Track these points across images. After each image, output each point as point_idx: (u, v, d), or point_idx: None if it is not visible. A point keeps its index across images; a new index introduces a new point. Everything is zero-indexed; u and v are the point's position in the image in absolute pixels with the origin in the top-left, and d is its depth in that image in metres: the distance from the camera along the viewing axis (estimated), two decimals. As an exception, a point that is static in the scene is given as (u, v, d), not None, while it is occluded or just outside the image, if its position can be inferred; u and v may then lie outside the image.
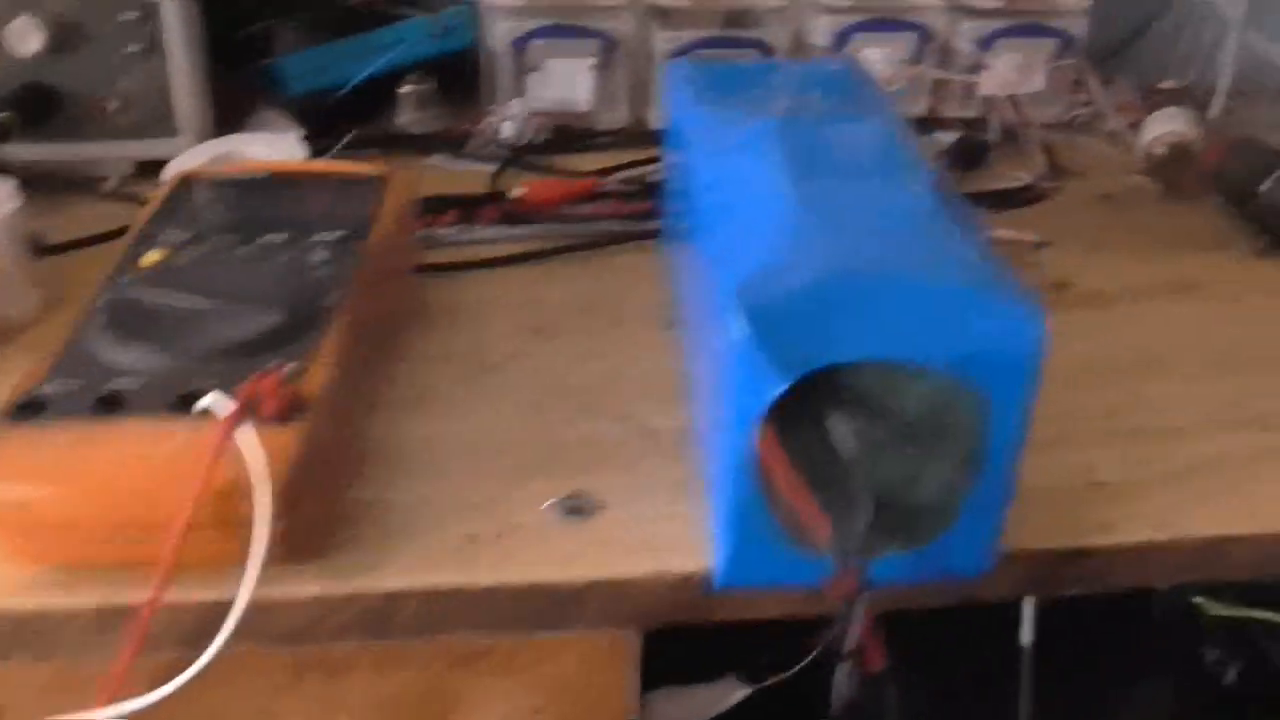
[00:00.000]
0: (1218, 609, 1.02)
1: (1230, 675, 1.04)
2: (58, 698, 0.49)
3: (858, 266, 0.47)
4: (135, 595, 0.49)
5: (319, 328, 0.59)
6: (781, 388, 0.45)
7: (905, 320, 0.46)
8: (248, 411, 0.50)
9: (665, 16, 1.00)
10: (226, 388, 0.52)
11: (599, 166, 0.94)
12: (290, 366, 0.55)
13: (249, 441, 0.49)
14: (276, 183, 0.72)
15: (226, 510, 0.50)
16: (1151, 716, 1.05)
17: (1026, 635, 0.98)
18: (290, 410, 0.53)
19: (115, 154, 0.90)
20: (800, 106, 0.63)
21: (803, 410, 0.48)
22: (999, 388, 0.47)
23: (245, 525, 0.49)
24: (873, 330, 0.46)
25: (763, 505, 0.50)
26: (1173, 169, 0.94)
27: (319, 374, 0.56)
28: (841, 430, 0.47)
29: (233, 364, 0.55)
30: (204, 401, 0.51)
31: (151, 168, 0.87)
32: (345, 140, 0.92)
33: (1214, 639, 1.05)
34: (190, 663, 0.49)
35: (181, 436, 0.51)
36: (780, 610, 0.57)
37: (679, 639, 0.59)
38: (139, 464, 0.51)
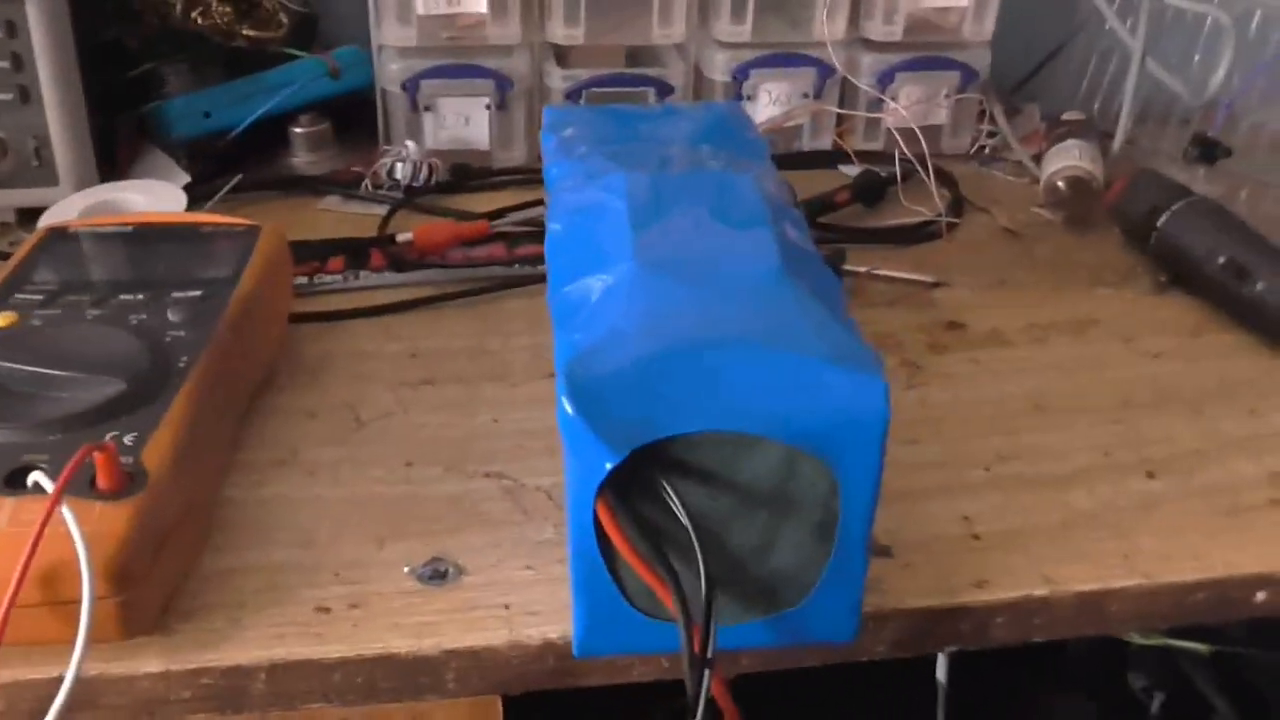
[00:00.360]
0: (1142, 638, 1.02)
1: (1156, 704, 1.04)
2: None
3: (694, 337, 0.46)
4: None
5: (169, 393, 0.57)
6: (612, 464, 0.44)
7: (743, 392, 0.45)
8: (70, 488, 0.48)
9: (562, 55, 0.99)
10: (63, 461, 0.50)
11: (496, 207, 0.92)
12: (130, 436, 0.54)
13: (70, 520, 0.47)
14: (143, 236, 0.70)
15: (55, 589, 0.48)
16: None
17: (942, 671, 0.97)
18: (126, 483, 0.51)
19: (-7, 203, 0.88)
20: (666, 157, 0.61)
21: (649, 476, 0.46)
22: (844, 459, 0.46)
23: (78, 603, 0.47)
24: (709, 403, 0.45)
25: (609, 575, 0.48)
26: (1075, 203, 0.94)
27: (163, 443, 0.54)
28: (679, 500, 0.46)
29: (72, 435, 0.53)
30: (31, 478, 0.49)
31: (35, 216, 0.84)
32: (233, 183, 0.91)
33: (1140, 667, 1.05)
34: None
35: (7, 514, 0.49)
36: (648, 674, 0.55)
37: (552, 699, 0.57)
38: (-37, 543, 0.49)
